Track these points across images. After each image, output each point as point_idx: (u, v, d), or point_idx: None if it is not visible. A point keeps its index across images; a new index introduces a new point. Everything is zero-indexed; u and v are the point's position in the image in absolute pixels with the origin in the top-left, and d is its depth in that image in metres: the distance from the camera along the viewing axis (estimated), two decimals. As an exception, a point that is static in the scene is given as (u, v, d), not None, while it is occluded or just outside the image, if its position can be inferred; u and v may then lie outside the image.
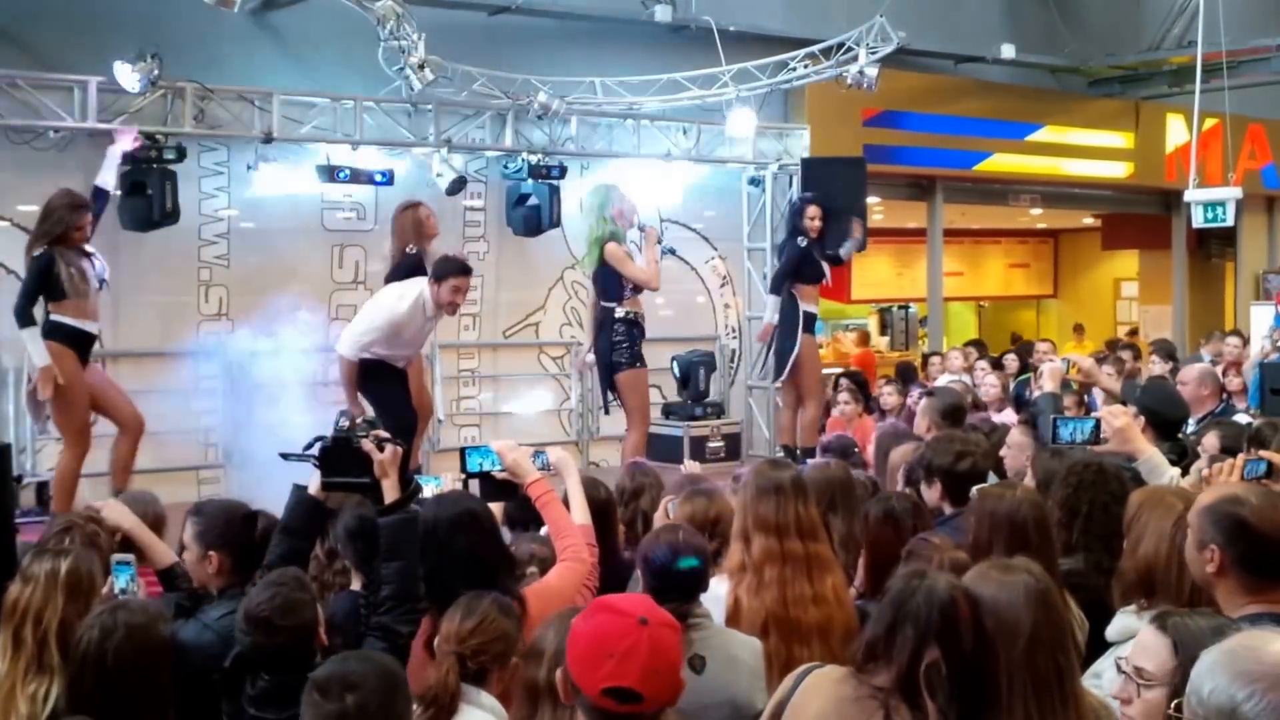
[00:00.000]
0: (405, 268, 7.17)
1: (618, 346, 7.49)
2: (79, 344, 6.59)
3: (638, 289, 7.54)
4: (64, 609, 3.15)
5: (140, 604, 2.96)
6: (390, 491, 3.34)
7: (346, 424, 3.44)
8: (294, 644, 2.98)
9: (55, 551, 3.31)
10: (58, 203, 6.55)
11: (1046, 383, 5.22)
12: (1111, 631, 3.16)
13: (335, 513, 3.77)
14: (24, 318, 6.45)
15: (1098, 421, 4.23)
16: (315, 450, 3.45)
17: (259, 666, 3.02)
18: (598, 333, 7.61)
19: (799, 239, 8.99)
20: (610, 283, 7.52)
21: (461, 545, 3.17)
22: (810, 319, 9.05)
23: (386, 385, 6.75)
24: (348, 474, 3.38)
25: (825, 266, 9.10)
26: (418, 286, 6.67)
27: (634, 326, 7.54)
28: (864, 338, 16.70)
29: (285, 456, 3.50)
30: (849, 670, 2.63)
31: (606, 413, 8.56)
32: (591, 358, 7.72)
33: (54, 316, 6.49)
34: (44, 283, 6.43)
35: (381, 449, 3.35)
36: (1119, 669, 2.49)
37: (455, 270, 6.62)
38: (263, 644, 3.00)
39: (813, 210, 9.05)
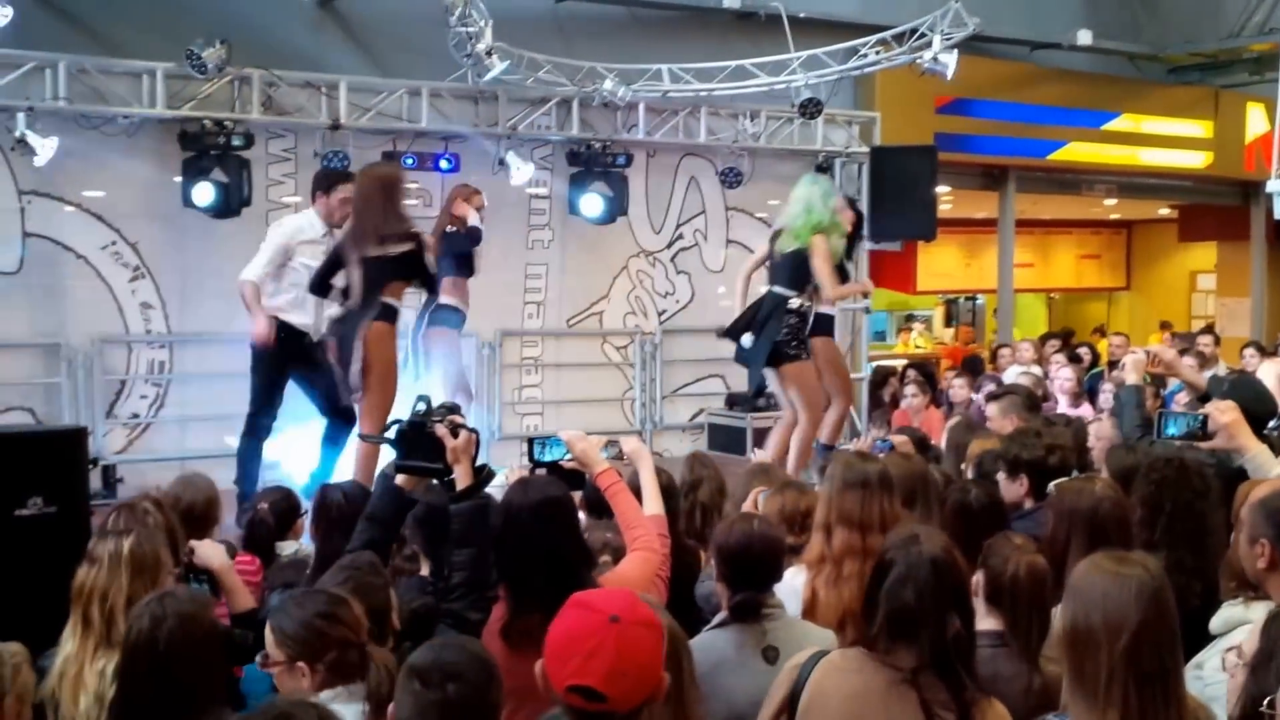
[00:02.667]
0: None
1: (788, 338, 7.30)
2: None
3: (817, 288, 7.38)
4: (130, 586, 3.18)
5: (188, 592, 2.96)
6: (463, 478, 3.32)
7: (423, 409, 3.43)
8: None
9: (118, 532, 3.35)
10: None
11: (1129, 375, 5.03)
12: (1216, 623, 3.11)
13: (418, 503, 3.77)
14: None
15: (1205, 417, 4.07)
16: (391, 433, 3.47)
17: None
18: (765, 318, 7.33)
19: None
20: (800, 272, 7.28)
21: (541, 534, 3.11)
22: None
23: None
24: (421, 458, 3.38)
25: (851, 268, 8.36)
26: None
27: (804, 320, 7.41)
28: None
29: (364, 437, 3.52)
30: (860, 653, 2.56)
31: (756, 397, 8.51)
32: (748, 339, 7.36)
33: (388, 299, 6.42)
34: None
35: (456, 435, 3.32)
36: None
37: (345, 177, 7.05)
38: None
39: (838, 203, 8.16)
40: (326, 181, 7.16)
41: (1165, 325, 16.32)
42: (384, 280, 6.24)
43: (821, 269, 7.22)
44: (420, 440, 3.38)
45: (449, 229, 7.74)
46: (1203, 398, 5.03)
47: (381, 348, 6.29)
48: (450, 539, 3.30)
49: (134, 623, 2.85)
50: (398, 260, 6.23)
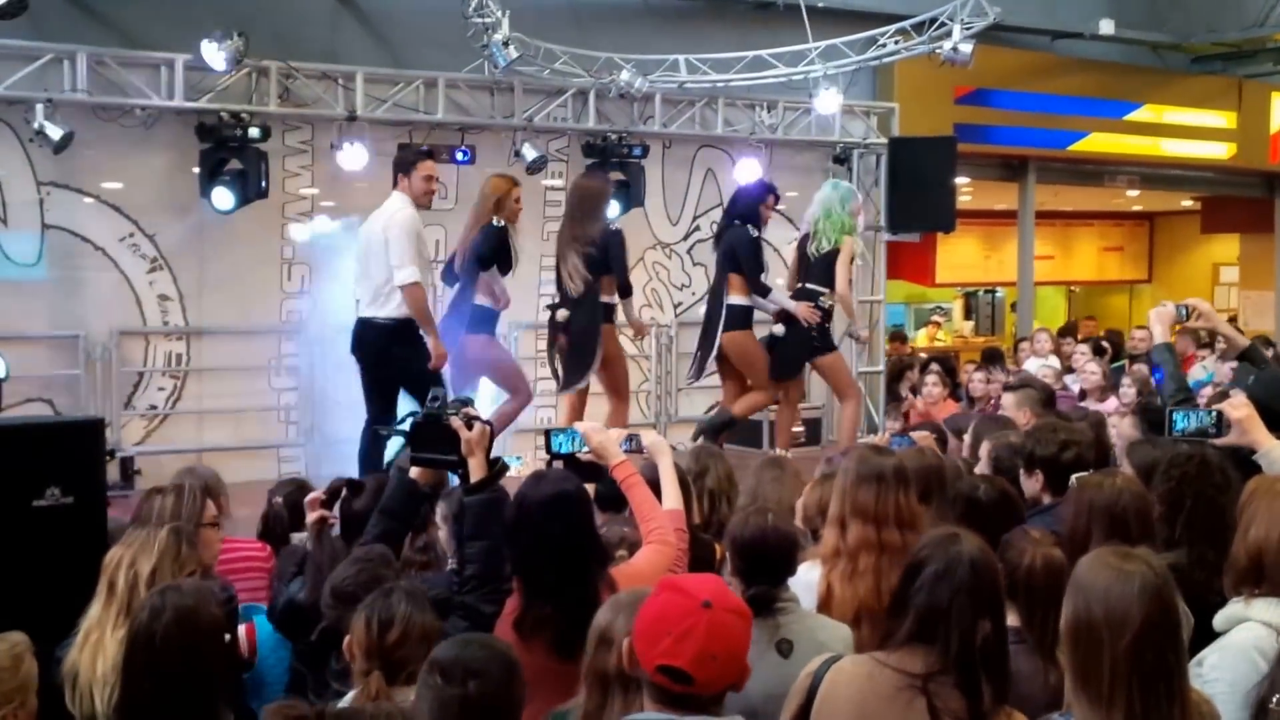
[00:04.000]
0: (492, 239, 7.01)
1: (818, 332, 7.94)
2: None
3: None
4: (158, 561, 3.25)
5: (190, 585, 2.97)
6: (477, 470, 3.31)
7: (439, 401, 3.43)
8: None
9: (156, 524, 3.45)
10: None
11: (1155, 329, 4.71)
12: (1219, 620, 3.06)
13: (432, 497, 3.80)
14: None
15: (1219, 413, 4.01)
16: (406, 426, 3.50)
17: (343, 641, 2.99)
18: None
19: (750, 227, 7.92)
20: (830, 272, 7.90)
21: (555, 527, 3.09)
22: (746, 313, 7.98)
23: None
24: (436, 450, 3.39)
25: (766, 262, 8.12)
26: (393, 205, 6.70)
27: (829, 316, 8.03)
28: None
29: (378, 431, 3.54)
30: (869, 658, 2.54)
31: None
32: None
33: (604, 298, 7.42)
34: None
35: (470, 427, 3.32)
36: None
37: (423, 155, 7.05)
38: (347, 618, 2.98)
39: (773, 200, 8.11)
40: (406, 162, 6.94)
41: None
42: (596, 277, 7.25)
43: (841, 271, 7.85)
44: (435, 433, 3.38)
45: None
46: (1241, 356, 4.89)
47: (611, 340, 7.49)
48: (463, 531, 3.30)
49: (135, 615, 2.86)
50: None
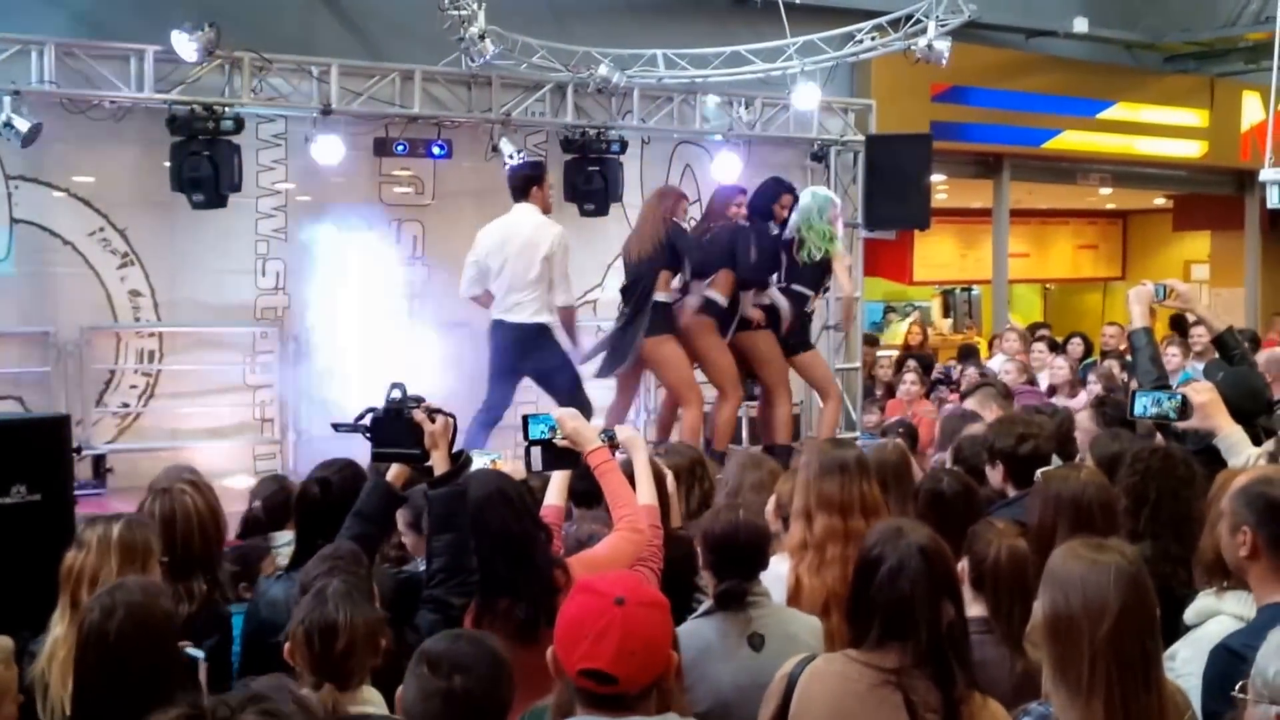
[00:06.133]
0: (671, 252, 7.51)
1: (803, 329, 8.25)
2: None
3: (827, 289, 8.44)
4: (119, 570, 3.17)
5: (138, 582, 2.93)
6: (440, 463, 3.29)
7: (398, 395, 3.40)
8: None
9: (107, 518, 3.34)
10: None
11: (1134, 307, 4.65)
12: (1190, 614, 3.08)
13: (408, 499, 3.75)
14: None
15: (1184, 397, 4.04)
16: (366, 421, 3.44)
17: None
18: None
19: (770, 224, 7.91)
20: (819, 275, 8.14)
21: (494, 522, 3.16)
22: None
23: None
24: (398, 445, 3.35)
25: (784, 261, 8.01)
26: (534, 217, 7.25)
27: (810, 318, 8.46)
28: None
29: (336, 427, 3.49)
30: (843, 656, 2.54)
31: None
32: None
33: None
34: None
35: (433, 420, 3.30)
36: None
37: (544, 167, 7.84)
38: None
39: (788, 199, 8.02)
40: (535, 178, 7.46)
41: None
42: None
43: (844, 278, 8.24)
44: (396, 426, 3.35)
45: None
46: (1216, 340, 4.91)
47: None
48: (429, 525, 3.28)
49: (85, 614, 2.81)
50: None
